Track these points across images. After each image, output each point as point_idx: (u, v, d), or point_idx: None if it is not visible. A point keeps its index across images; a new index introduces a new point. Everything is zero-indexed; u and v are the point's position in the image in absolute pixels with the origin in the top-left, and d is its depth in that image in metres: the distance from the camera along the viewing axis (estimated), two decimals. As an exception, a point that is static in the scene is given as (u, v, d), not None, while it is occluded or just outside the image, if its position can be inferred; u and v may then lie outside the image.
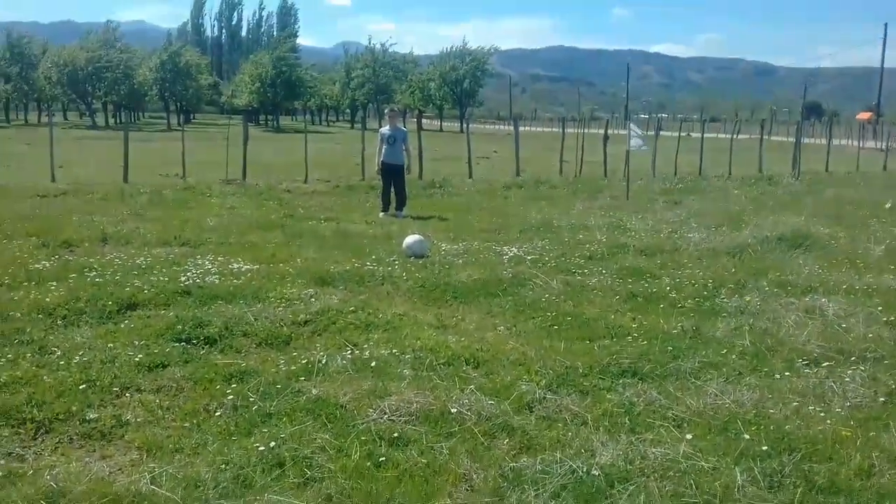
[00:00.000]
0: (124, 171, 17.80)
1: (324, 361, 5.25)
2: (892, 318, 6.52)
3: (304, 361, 5.28)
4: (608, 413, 4.51)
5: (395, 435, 4.10)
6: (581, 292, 7.59)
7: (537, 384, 4.90)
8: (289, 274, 7.99)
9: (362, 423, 4.24)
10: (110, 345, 5.58)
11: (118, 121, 68.51)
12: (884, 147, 30.29)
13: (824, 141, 28.81)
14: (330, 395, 4.65)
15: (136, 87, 69.36)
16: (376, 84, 76.57)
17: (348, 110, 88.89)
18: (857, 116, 75.29)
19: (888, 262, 9.05)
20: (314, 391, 4.71)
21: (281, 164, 22.83)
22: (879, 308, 6.84)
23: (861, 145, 32.86)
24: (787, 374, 5.15)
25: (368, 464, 3.78)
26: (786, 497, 3.52)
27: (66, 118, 75.21)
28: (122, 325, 6.14)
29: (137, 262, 8.46)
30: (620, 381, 5.04)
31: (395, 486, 3.57)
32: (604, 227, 11.81)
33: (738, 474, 3.70)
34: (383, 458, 3.83)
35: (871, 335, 5.99)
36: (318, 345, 5.73)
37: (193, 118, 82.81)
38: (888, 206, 14.33)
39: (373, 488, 3.52)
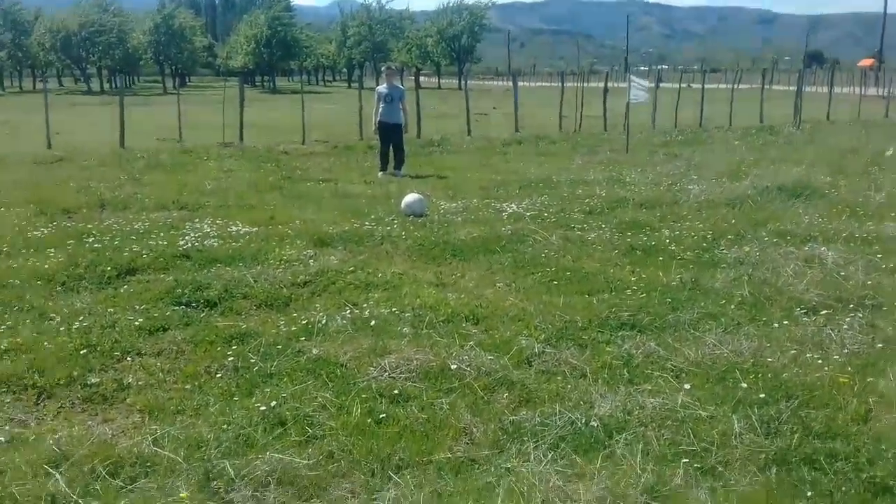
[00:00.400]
0: (120, 136, 17.69)
1: (324, 321, 5.27)
2: (892, 265, 6.51)
3: (304, 322, 5.30)
4: (607, 365, 4.54)
5: (396, 392, 4.13)
6: (580, 247, 7.59)
7: (536, 339, 4.92)
8: (287, 235, 7.99)
9: (363, 381, 4.27)
10: (110, 310, 5.60)
11: (113, 86, 67.79)
12: (885, 94, 29.97)
13: (826, 89, 28.50)
14: (330, 354, 4.67)
15: (131, 52, 68.57)
16: (372, 42, 75.68)
17: (345, 69, 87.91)
18: (859, 63, 74.38)
19: (889, 209, 9.02)
20: (314, 351, 4.73)
21: (278, 125, 22.66)
22: (879, 255, 6.83)
23: (863, 93, 32.52)
24: (785, 322, 5.17)
25: (369, 420, 3.81)
26: (783, 443, 3.55)
27: (61, 84, 74.60)
28: (122, 290, 6.15)
29: (136, 227, 8.46)
30: (619, 334, 5.05)
31: (396, 441, 3.60)
32: (603, 182, 11.77)
33: (736, 422, 3.73)
34: (384, 415, 3.86)
35: (870, 282, 5.99)
36: (317, 305, 5.75)
37: (189, 81, 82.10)
38: (889, 153, 14.23)
39: (374, 444, 3.56)
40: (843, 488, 3.14)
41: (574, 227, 8.50)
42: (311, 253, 7.22)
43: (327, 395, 4.07)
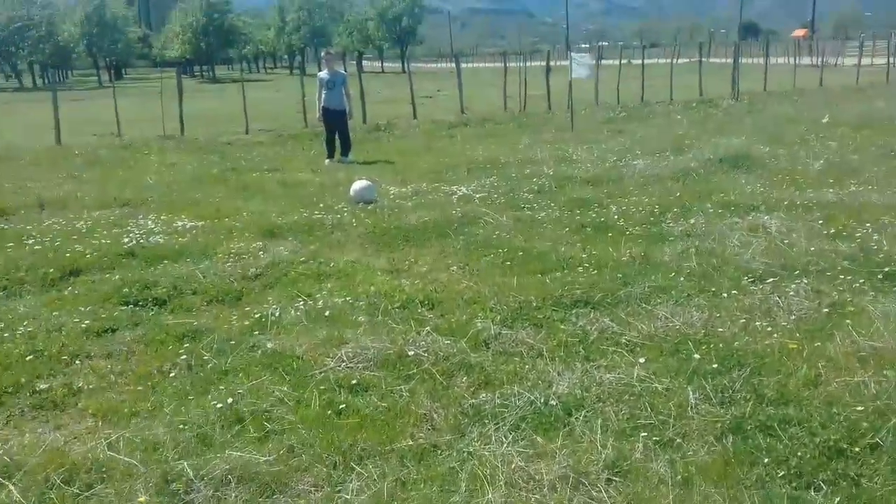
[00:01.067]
0: (56, 133, 17.15)
1: (277, 314, 5.20)
2: (833, 231, 6.70)
3: (257, 315, 5.21)
4: (563, 343, 4.57)
5: (354, 382, 4.10)
6: (531, 227, 7.63)
7: (492, 321, 4.93)
8: (235, 228, 7.85)
9: (320, 373, 4.22)
10: (55, 313, 5.44)
11: (45, 81, 65.68)
12: (819, 63, 30.72)
13: (762, 60, 29.08)
14: (286, 347, 4.61)
15: (62, 45, 66.45)
16: (312, 27, 74.68)
17: (286, 56, 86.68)
18: (793, 34, 76.11)
19: (827, 176, 9.26)
20: (269, 345, 4.66)
21: (219, 116, 22.26)
22: (820, 222, 7.02)
23: (797, 62, 33.28)
24: (733, 292, 5.27)
25: (329, 412, 3.78)
26: (737, 411, 3.62)
27: (-10, 81, 71.97)
28: (66, 292, 5.98)
29: (77, 226, 8.22)
30: (573, 312, 5.09)
31: (357, 431, 3.58)
32: (550, 161, 11.83)
33: (691, 393, 3.79)
34: (344, 406, 3.83)
35: (812, 249, 6.14)
36: (270, 298, 5.66)
37: (125, 74, 80.00)
38: (825, 120, 14.62)
39: (335, 436, 3.53)
40: (799, 453, 3.21)
41: (524, 207, 8.54)
42: (260, 245, 7.11)
43: (285, 388, 4.02)
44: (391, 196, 9.52)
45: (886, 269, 5.48)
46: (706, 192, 8.64)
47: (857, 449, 3.21)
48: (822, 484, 3.02)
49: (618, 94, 23.31)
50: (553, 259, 6.39)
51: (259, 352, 4.58)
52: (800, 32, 76.42)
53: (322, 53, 15.09)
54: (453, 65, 29.22)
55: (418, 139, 16.30)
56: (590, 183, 9.85)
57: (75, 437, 3.71)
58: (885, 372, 3.86)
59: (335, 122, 13.36)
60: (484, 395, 3.94)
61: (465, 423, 3.66)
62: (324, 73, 13.52)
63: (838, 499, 2.92)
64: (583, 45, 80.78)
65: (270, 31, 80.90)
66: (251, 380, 4.16)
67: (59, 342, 4.87)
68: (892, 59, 30.49)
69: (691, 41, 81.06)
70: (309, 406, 3.83)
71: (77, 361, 4.63)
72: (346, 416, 3.74)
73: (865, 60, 33.22)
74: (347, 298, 5.49)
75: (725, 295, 5.23)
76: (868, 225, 6.77)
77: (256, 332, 4.92)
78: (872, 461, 3.13)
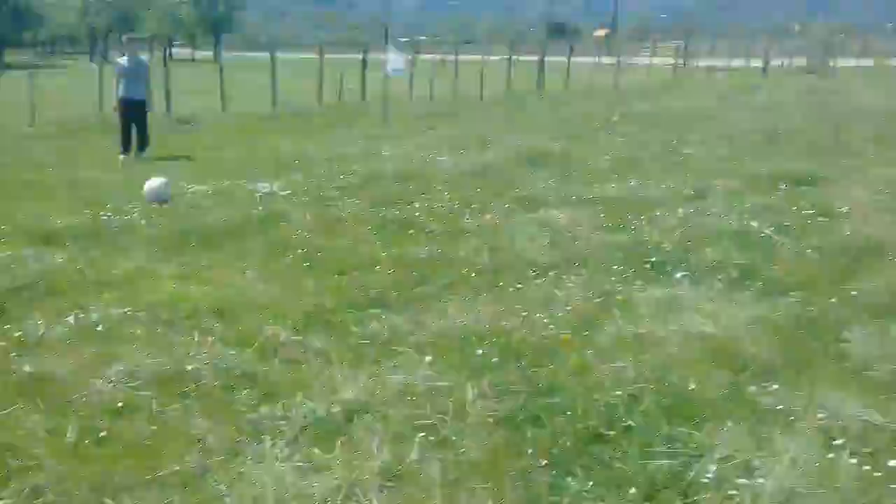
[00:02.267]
0: None
1: (42, 332, 4.76)
2: (611, 224, 7.15)
3: (17, 334, 4.73)
4: (353, 347, 4.53)
5: (120, 404, 3.80)
6: (335, 225, 7.55)
7: (283, 327, 4.80)
8: (3, 233, 7.13)
9: (82, 398, 3.89)
10: None
11: None
12: (617, 62, 32.84)
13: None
14: (46, 369, 4.20)
15: None
16: (117, 10, 69.97)
17: (87, 41, 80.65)
18: (595, 34, 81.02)
19: (611, 172, 9.90)
20: (27, 368, 4.22)
21: (2, 105, 20.24)
22: (602, 215, 7.47)
23: (598, 61, 35.43)
24: (519, 286, 5.46)
25: (87, 442, 3.48)
26: (512, 404, 3.74)
27: None
28: None
29: None
30: (367, 313, 5.06)
31: (117, 461, 3.32)
32: (360, 156, 11.79)
33: (469, 389, 3.87)
34: (104, 433, 3.54)
35: (593, 241, 6.52)
36: (37, 313, 5.17)
37: None
38: (615, 119, 15.64)
39: (91, 469, 3.25)
40: (560, 441, 3.37)
41: (328, 205, 8.44)
42: (31, 252, 6.47)
43: (37, 417, 3.66)
44: (190, 194, 9.07)
45: (654, 259, 5.91)
46: (504, 188, 8.95)
47: (613, 433, 3.41)
48: (578, 470, 3.17)
49: (431, 89, 23.67)
50: (353, 258, 6.35)
51: (13, 377, 4.14)
52: (601, 32, 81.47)
53: (124, 38, 14.07)
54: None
55: (226, 133, 15.69)
56: (397, 180, 9.90)
57: None
58: (643, 356, 4.15)
59: (133, 114, 12.53)
60: (265, 408, 3.80)
61: (241, 442, 3.52)
62: (123, 60, 12.67)
63: (591, 483, 3.08)
64: (402, 39, 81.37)
65: (71, 13, 74.94)
66: (1, 411, 3.76)
67: None
68: (678, 60, 33.21)
69: (503, 39, 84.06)
70: (63, 436, 3.51)
71: None
72: (106, 445, 3.46)
73: (657, 60, 35.97)
74: (126, 310, 5.12)
75: (511, 289, 5.41)
76: (642, 217, 7.29)
77: (14, 354, 4.45)
78: (625, 443, 3.33)
